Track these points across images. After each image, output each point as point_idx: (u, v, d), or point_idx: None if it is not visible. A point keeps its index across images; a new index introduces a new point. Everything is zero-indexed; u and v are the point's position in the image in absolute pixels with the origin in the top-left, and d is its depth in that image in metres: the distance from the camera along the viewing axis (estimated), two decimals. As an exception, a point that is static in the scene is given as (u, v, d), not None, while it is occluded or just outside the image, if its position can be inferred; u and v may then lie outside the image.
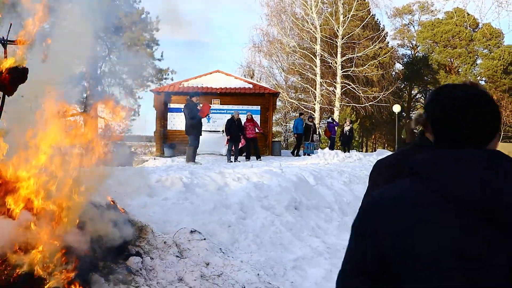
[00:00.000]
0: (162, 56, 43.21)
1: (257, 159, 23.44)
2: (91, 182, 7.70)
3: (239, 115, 24.31)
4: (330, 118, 32.51)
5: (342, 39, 42.13)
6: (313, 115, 39.62)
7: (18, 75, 7.34)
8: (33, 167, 7.16)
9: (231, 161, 22.08)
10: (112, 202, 8.69)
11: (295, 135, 31.16)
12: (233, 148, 23.64)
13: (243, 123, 24.43)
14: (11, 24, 7.32)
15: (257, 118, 27.69)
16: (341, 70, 42.14)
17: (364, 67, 42.64)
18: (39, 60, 7.90)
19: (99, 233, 7.13)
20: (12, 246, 6.36)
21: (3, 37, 7.35)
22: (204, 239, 8.53)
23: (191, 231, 8.68)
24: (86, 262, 6.66)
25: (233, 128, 23.24)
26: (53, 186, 7.08)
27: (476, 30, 55.05)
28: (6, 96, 7.40)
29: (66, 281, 6.35)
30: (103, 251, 7.00)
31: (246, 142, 24.73)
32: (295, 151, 30.36)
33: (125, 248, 7.59)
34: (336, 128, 31.09)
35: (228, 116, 26.81)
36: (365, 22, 43.96)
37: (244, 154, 25.33)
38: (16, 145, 7.22)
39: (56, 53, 7.74)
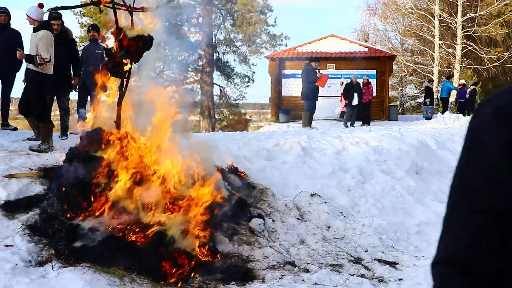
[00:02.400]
0: (275, 22, 43.03)
1: (363, 124, 22.94)
2: (212, 147, 7.78)
3: (357, 79, 23.81)
4: (452, 80, 31.32)
5: (463, -3, 40.74)
6: (432, 78, 38.74)
7: (144, 43, 7.49)
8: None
9: (347, 126, 21.78)
10: (232, 166, 8.77)
11: (440, 98, 30.07)
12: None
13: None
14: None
15: (373, 83, 27.08)
16: (462, 30, 40.65)
17: (487, 26, 40.85)
18: (159, 28, 8.01)
19: (222, 196, 7.19)
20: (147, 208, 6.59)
21: (129, 5, 7.48)
22: (325, 202, 8.48)
23: (311, 195, 8.65)
24: (211, 223, 6.75)
25: (352, 92, 22.87)
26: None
27: None
28: (133, 63, 7.58)
29: (197, 241, 6.47)
30: (227, 214, 7.07)
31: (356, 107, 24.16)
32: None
33: (247, 210, 7.64)
34: (460, 92, 29.86)
35: (344, 81, 26.66)
36: (487, -21, 42.17)
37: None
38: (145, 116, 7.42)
39: (173, 23, 7.82)
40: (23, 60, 9.72)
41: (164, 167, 7.21)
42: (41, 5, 9.80)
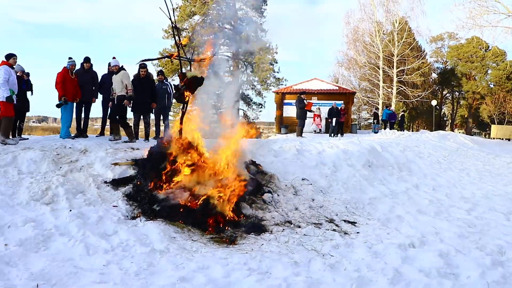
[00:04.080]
0: (279, 70, 43.90)
1: (341, 135, 22.78)
2: (243, 150, 7.78)
3: (336, 105, 23.57)
4: (390, 109, 31.04)
5: (397, 57, 40.72)
6: (378, 107, 38.72)
7: (198, 81, 7.49)
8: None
9: (331, 136, 21.51)
10: (252, 161, 8.74)
11: (382, 120, 29.87)
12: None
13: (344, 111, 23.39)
14: (194, 49, 7.49)
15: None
16: (397, 77, 40.78)
17: (412, 75, 41.10)
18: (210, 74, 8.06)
19: (246, 179, 7.17)
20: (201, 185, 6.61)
21: (189, 57, 7.52)
22: (311, 184, 8.41)
23: (302, 179, 8.58)
24: (239, 196, 6.73)
25: (333, 115, 22.73)
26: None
27: (488, 51, 51.58)
28: (191, 94, 7.59)
29: (229, 207, 6.46)
30: (248, 190, 7.04)
31: (337, 125, 23.72)
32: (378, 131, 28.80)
33: (261, 188, 7.61)
34: (393, 115, 29.67)
35: (324, 108, 26.69)
36: (412, 46, 42.14)
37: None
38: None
39: (217, 72, 7.85)
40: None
41: (212, 160, 7.22)
42: (114, 57, 10.05)
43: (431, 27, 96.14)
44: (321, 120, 27.07)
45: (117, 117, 9.78)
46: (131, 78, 10.19)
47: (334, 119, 22.29)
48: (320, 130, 26.86)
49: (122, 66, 9.96)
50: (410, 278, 4.71)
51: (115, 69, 9.83)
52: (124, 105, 9.68)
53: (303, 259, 5.13)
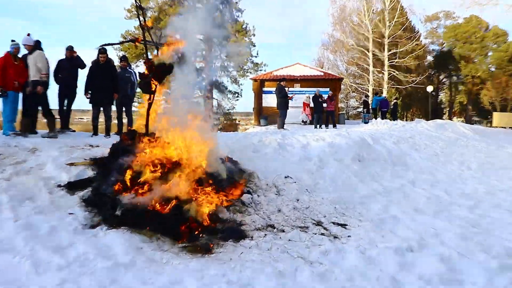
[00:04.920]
0: (257, 54, 43.61)
1: (333, 127, 22.80)
2: (215, 144, 7.67)
3: (319, 92, 23.67)
4: (381, 95, 31.33)
5: (388, 38, 41.12)
6: (368, 94, 39.07)
7: (166, 69, 7.38)
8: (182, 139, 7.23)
9: (316, 128, 21.58)
10: (228, 157, 8.66)
11: (373, 108, 29.98)
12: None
13: (324, 99, 23.41)
14: (161, 32, 7.40)
15: (325, 97, 27.17)
16: (388, 61, 41.19)
17: (405, 59, 41.58)
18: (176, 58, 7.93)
19: (222, 178, 7.10)
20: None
21: (156, 42, 7.42)
22: (295, 182, 8.39)
23: (285, 177, 8.55)
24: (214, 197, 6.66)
25: (317, 102, 22.80)
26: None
27: (488, 31, 52.49)
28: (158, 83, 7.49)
29: (203, 211, 6.38)
30: (225, 191, 6.96)
31: (326, 114, 23.67)
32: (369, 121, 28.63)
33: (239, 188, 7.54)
34: (385, 103, 29.91)
35: (306, 95, 26.73)
36: (404, 26, 42.60)
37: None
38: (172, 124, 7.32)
39: (186, 55, 7.71)
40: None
41: (183, 158, 7.11)
42: (28, 34, 9.78)
43: (426, 5, 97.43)
44: (311, 110, 27.15)
45: (39, 107, 9.54)
46: (89, 64, 10.01)
47: (317, 108, 22.43)
48: (310, 120, 26.90)
49: (38, 44, 9.66)
50: (408, 286, 4.70)
51: (27, 48, 9.56)
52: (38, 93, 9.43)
53: (289, 268, 5.08)
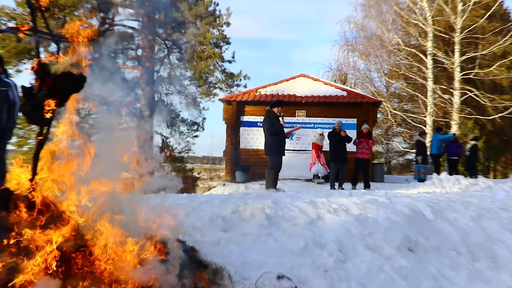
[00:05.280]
0: (233, 57, 43.11)
1: (365, 188, 22.77)
2: (150, 212, 7.72)
3: (341, 125, 23.52)
4: (449, 132, 31.74)
5: (461, 33, 41.53)
6: (425, 130, 39.25)
7: (73, 81, 7.39)
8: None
9: (335, 189, 21.58)
10: (179, 240, 8.68)
11: (432, 155, 30.06)
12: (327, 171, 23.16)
13: (351, 137, 23.66)
14: (64, 19, 7.47)
15: (352, 134, 26.91)
16: (460, 72, 41.40)
17: (491, 69, 41.53)
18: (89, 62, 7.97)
19: (162, 280, 7.14)
20: None
21: (56, 33, 7.44)
22: (295, 287, 8.45)
23: (278, 277, 8.58)
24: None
25: (337, 144, 22.88)
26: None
27: None
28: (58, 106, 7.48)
29: None
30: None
31: (356, 164, 23.71)
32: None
33: (195, 298, 7.57)
34: (455, 147, 30.11)
35: (318, 131, 26.80)
36: (491, 11, 42.81)
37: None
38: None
39: (106, 55, 7.83)
40: None
41: (95, 242, 7.15)
42: None
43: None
44: (325, 156, 27.18)
45: None
46: None
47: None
48: (328, 174, 26.67)
49: None
50: None
51: None
52: None
53: None
